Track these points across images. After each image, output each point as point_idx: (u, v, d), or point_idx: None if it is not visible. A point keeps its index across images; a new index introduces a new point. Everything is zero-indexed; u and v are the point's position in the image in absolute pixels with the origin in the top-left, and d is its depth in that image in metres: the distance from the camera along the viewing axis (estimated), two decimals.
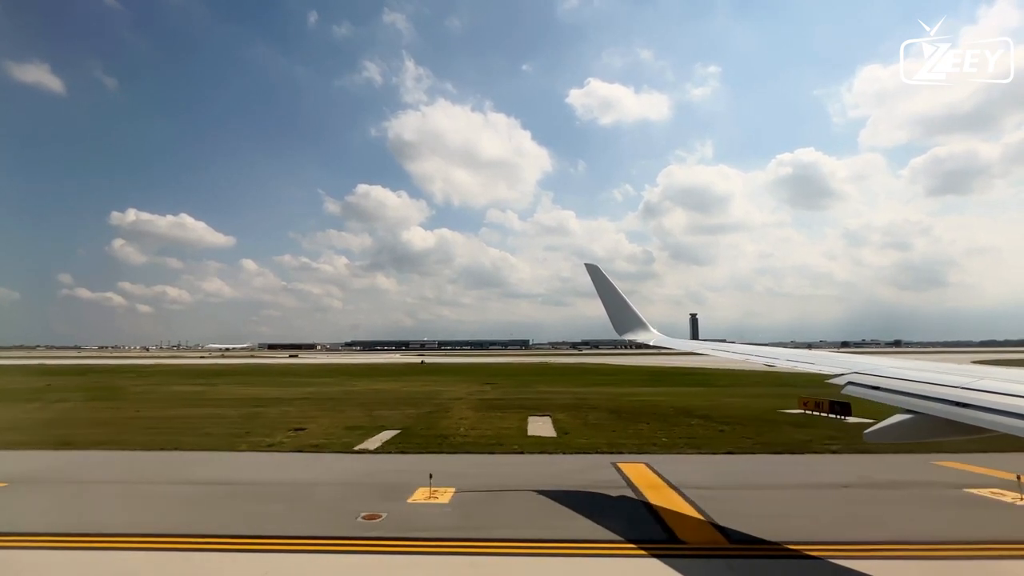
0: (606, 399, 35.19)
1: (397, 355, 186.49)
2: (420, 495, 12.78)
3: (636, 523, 11.01)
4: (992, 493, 13.10)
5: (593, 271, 14.45)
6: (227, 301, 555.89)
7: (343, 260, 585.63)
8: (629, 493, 13.30)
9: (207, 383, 52.96)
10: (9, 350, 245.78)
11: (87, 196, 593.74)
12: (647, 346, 13.19)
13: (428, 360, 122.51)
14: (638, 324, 13.64)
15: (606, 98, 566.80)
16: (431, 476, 13.59)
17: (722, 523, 10.88)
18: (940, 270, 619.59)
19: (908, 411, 6.13)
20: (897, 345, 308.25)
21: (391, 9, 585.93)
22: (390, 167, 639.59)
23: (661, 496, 12.97)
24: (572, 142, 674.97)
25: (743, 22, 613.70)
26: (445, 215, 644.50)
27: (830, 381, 7.74)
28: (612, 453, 18.01)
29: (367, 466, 16.59)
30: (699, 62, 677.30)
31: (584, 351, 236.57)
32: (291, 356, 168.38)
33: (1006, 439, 5.09)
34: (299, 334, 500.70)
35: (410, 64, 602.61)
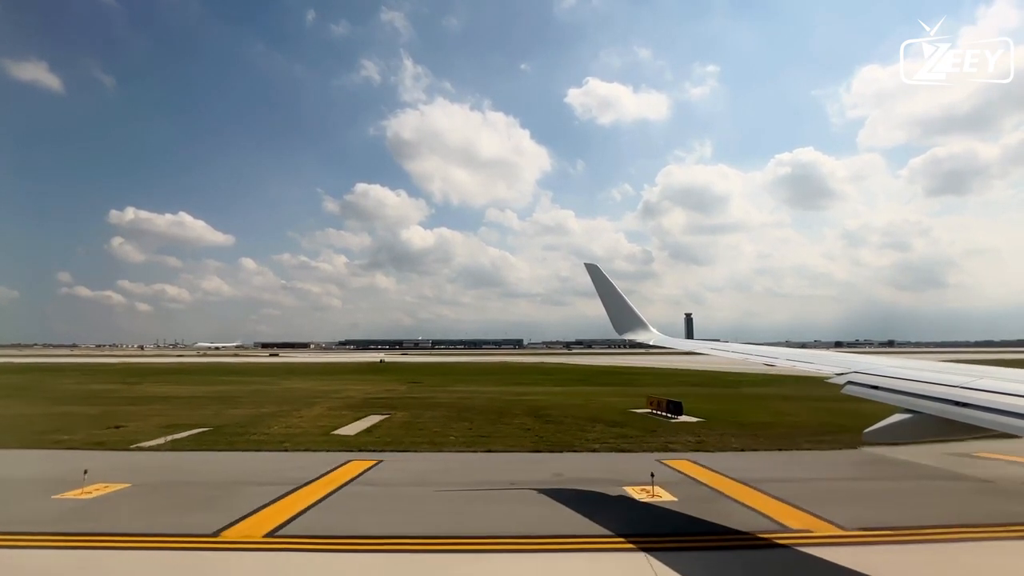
0: (489, 398, 35.14)
1: (380, 354, 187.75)
2: (75, 492, 12.69)
3: None
4: None
5: (593, 271, 14.43)
6: (226, 300, 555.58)
7: (342, 259, 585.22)
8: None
9: (134, 382, 51.57)
10: (4, 348, 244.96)
11: (85, 194, 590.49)
12: (647, 346, 13.20)
13: (396, 359, 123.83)
14: (638, 324, 13.64)
15: (605, 97, 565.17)
16: (86, 472, 13.24)
17: None
18: (939, 271, 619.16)
19: (908, 410, 6.14)
20: (890, 345, 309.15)
21: (389, 8, 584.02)
22: (389, 166, 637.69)
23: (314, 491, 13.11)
24: (571, 141, 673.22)
25: (741, 21, 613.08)
26: (444, 214, 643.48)
27: (830, 381, 7.74)
28: (351, 451, 18.02)
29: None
30: (697, 61, 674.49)
31: (574, 351, 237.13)
32: (271, 355, 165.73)
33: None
34: (299, 333, 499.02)
35: (408, 63, 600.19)
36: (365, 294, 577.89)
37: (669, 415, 25.36)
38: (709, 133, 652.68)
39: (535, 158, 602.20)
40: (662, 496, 12.56)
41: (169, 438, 20.36)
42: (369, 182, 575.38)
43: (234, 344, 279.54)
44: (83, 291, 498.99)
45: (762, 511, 11.32)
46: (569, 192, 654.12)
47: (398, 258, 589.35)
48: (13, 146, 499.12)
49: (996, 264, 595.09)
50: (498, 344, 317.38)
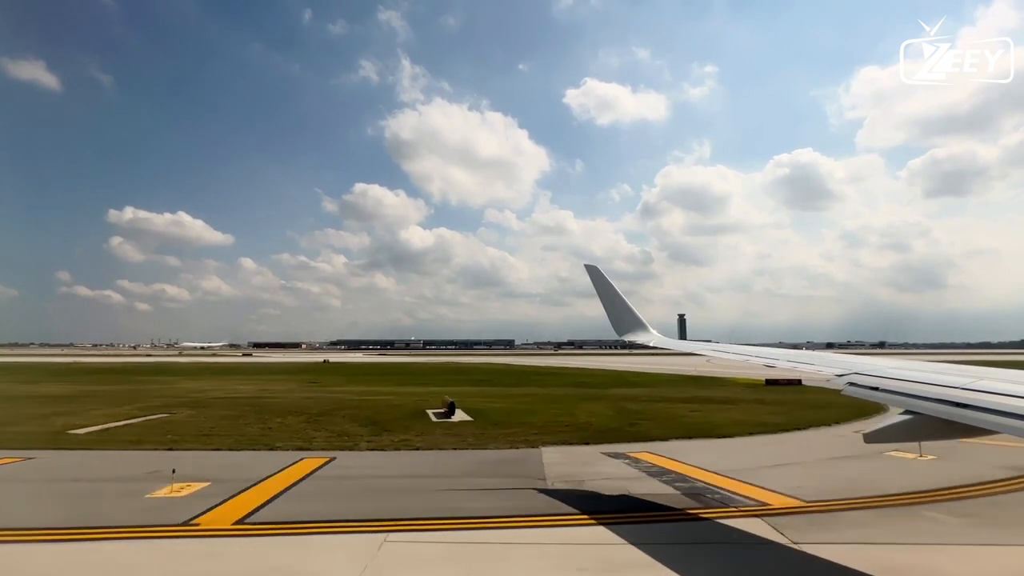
0: (341, 400, 33.88)
1: (359, 354, 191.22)
2: None
3: None
4: None
5: (593, 272, 14.46)
6: (226, 299, 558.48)
7: (341, 259, 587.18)
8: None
9: (27, 381, 50.90)
10: (1, 347, 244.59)
11: (84, 193, 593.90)
12: (647, 347, 13.20)
13: (357, 360, 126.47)
14: (638, 325, 13.65)
15: (603, 97, 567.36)
16: None
17: None
18: (939, 272, 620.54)
19: (908, 411, 6.13)
20: (881, 346, 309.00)
21: (385, 7, 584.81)
22: (388, 166, 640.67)
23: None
24: (570, 142, 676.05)
25: (740, 22, 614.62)
26: (443, 214, 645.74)
27: (831, 381, 7.72)
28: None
29: None
30: (696, 62, 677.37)
31: (559, 352, 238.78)
32: (244, 355, 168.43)
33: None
34: (299, 333, 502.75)
35: (406, 63, 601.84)
36: (365, 294, 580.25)
37: (446, 415, 25.44)
38: (708, 134, 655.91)
39: (534, 158, 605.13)
40: None
41: None
42: (368, 182, 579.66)
43: (220, 344, 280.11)
44: (82, 290, 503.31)
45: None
46: (568, 192, 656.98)
47: (397, 258, 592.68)
48: (11, 145, 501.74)
49: (996, 265, 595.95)
50: (489, 345, 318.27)
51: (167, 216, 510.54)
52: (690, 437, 19.89)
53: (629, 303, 13.85)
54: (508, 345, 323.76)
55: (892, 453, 15.80)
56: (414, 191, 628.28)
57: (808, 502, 11.39)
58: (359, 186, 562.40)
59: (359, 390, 41.98)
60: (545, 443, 18.48)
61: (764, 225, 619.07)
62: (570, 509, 11.08)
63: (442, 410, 26.40)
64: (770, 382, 44.08)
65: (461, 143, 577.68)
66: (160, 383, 49.46)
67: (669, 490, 12.41)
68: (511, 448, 17.87)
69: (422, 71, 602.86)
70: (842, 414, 24.33)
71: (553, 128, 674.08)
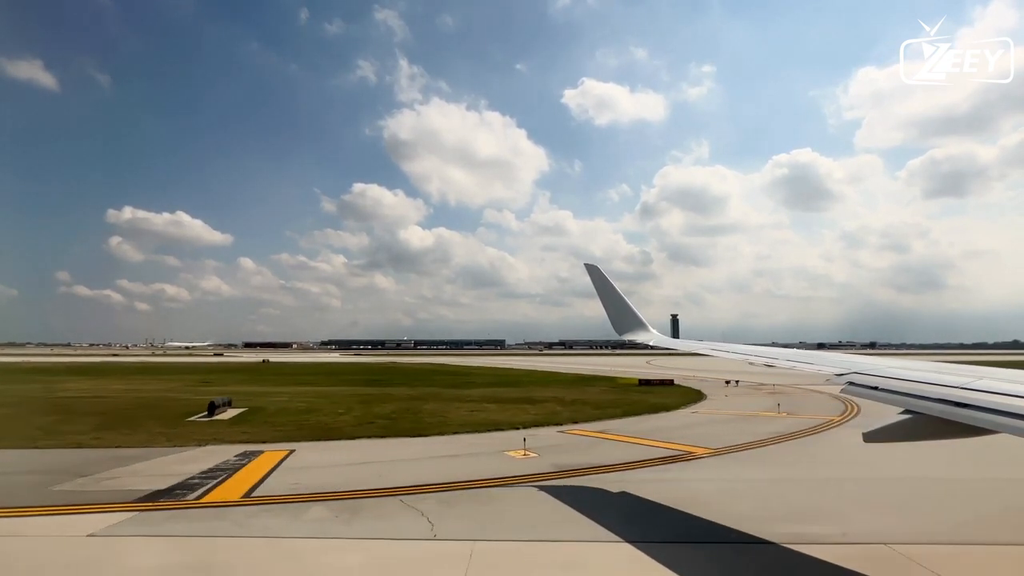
0: (157, 397, 34.50)
1: (336, 355, 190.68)
2: None
3: None
4: None
5: (593, 271, 14.47)
6: (226, 299, 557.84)
7: (341, 259, 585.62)
8: None
9: None
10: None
11: (83, 193, 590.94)
12: (647, 346, 13.22)
13: (305, 360, 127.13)
14: (638, 324, 13.66)
15: (601, 97, 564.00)
16: None
17: None
18: (938, 272, 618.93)
19: (908, 411, 6.14)
20: (872, 347, 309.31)
21: (382, 6, 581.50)
22: (386, 166, 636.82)
23: None
24: (568, 142, 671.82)
25: (738, 21, 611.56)
26: (442, 214, 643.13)
27: (830, 381, 7.74)
28: None
29: None
30: (694, 61, 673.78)
31: (546, 352, 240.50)
32: (215, 354, 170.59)
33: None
34: (298, 333, 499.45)
35: (404, 63, 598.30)
36: (364, 294, 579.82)
37: (208, 416, 25.59)
38: (706, 134, 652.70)
39: (532, 158, 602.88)
40: None
41: None
42: (366, 182, 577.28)
43: (205, 344, 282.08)
44: (82, 290, 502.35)
45: None
46: (567, 192, 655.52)
47: (397, 258, 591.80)
48: (9, 145, 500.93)
49: (995, 266, 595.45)
50: (480, 344, 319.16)
51: (166, 216, 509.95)
52: (397, 436, 20.61)
53: (629, 302, 13.87)
54: (499, 345, 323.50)
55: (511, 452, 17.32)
56: (413, 191, 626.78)
57: None
58: (358, 186, 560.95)
59: (208, 390, 39.75)
60: (252, 440, 19.24)
61: (763, 225, 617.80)
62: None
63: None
64: (643, 382, 44.49)
65: (459, 143, 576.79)
66: (39, 383, 47.85)
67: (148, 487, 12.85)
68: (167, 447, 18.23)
69: (420, 71, 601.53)
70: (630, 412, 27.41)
71: (552, 128, 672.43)
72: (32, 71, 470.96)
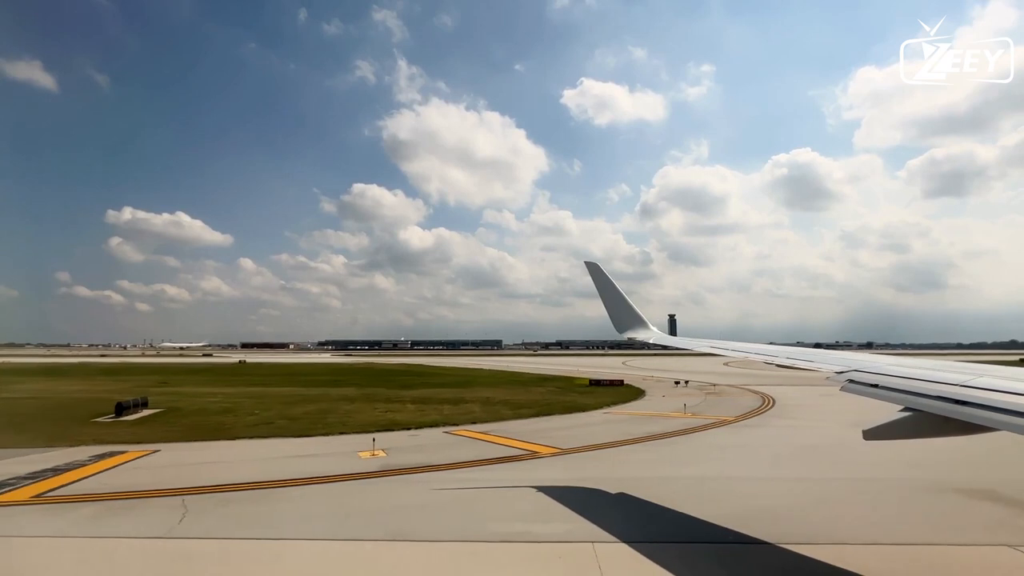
0: (102, 396, 34.71)
1: (327, 355, 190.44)
2: None
3: None
4: None
5: (593, 269, 14.38)
6: (226, 300, 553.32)
7: (341, 259, 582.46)
8: None
9: None
10: None
11: (83, 194, 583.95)
12: (647, 344, 13.23)
13: (290, 360, 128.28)
14: (638, 323, 13.66)
15: (600, 97, 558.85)
16: None
17: None
18: (939, 272, 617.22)
19: (908, 409, 6.16)
20: (869, 347, 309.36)
21: (380, 6, 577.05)
22: (386, 166, 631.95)
23: None
24: (567, 142, 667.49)
25: (737, 21, 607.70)
26: (442, 214, 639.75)
27: (830, 379, 7.75)
28: None
29: None
30: (693, 61, 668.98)
31: (539, 352, 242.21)
32: (204, 355, 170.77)
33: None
34: (299, 333, 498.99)
35: (402, 63, 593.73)
36: (364, 294, 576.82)
37: (116, 416, 25.93)
38: (706, 134, 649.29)
39: (532, 158, 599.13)
40: None
41: None
42: (366, 182, 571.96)
43: (200, 344, 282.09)
44: (82, 291, 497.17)
45: None
46: (566, 193, 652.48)
47: (397, 258, 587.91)
48: (9, 146, 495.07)
49: (995, 266, 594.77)
50: (476, 345, 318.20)
51: (166, 216, 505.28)
52: (284, 437, 21.10)
53: (630, 301, 13.85)
54: (495, 346, 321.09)
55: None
56: (412, 191, 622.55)
57: None
58: (357, 186, 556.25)
59: (157, 391, 40.47)
60: (140, 440, 19.56)
61: (763, 225, 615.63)
62: None
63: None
64: (594, 383, 45.26)
65: (459, 143, 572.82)
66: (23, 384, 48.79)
67: None
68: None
69: (419, 71, 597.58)
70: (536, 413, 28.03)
71: (551, 128, 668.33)
72: (31, 72, 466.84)
